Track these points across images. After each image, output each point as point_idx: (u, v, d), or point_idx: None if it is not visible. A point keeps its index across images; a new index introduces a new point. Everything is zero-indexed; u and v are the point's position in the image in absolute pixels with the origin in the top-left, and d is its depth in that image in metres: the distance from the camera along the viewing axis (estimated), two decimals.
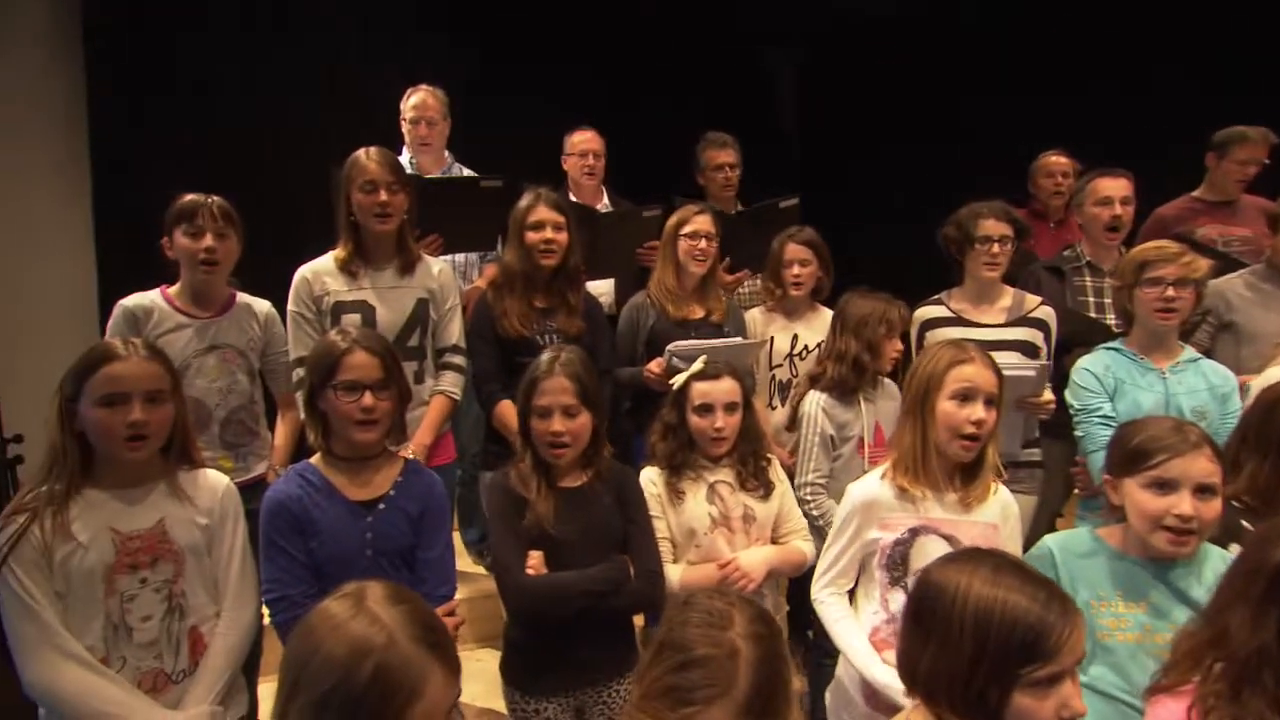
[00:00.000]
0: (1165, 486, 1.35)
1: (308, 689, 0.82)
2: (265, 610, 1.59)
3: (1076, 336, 2.31)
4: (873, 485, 1.64)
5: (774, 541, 1.90)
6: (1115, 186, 2.52)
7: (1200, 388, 2.04)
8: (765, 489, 1.89)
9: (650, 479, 1.88)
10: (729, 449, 1.88)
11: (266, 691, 1.68)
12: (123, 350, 1.40)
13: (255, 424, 2.15)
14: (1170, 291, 1.98)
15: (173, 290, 2.06)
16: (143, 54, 3.45)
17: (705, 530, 1.84)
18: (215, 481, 1.54)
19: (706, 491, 1.86)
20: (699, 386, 1.86)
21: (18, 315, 3.38)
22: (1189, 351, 2.10)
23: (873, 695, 1.57)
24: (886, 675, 1.51)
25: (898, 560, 1.59)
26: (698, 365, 1.90)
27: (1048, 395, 2.11)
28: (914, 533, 1.58)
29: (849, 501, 1.66)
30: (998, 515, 1.59)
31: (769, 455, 1.97)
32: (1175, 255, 2.01)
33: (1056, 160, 3.21)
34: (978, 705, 0.95)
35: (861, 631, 1.63)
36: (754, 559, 1.82)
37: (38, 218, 3.43)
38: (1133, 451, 1.41)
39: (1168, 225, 2.86)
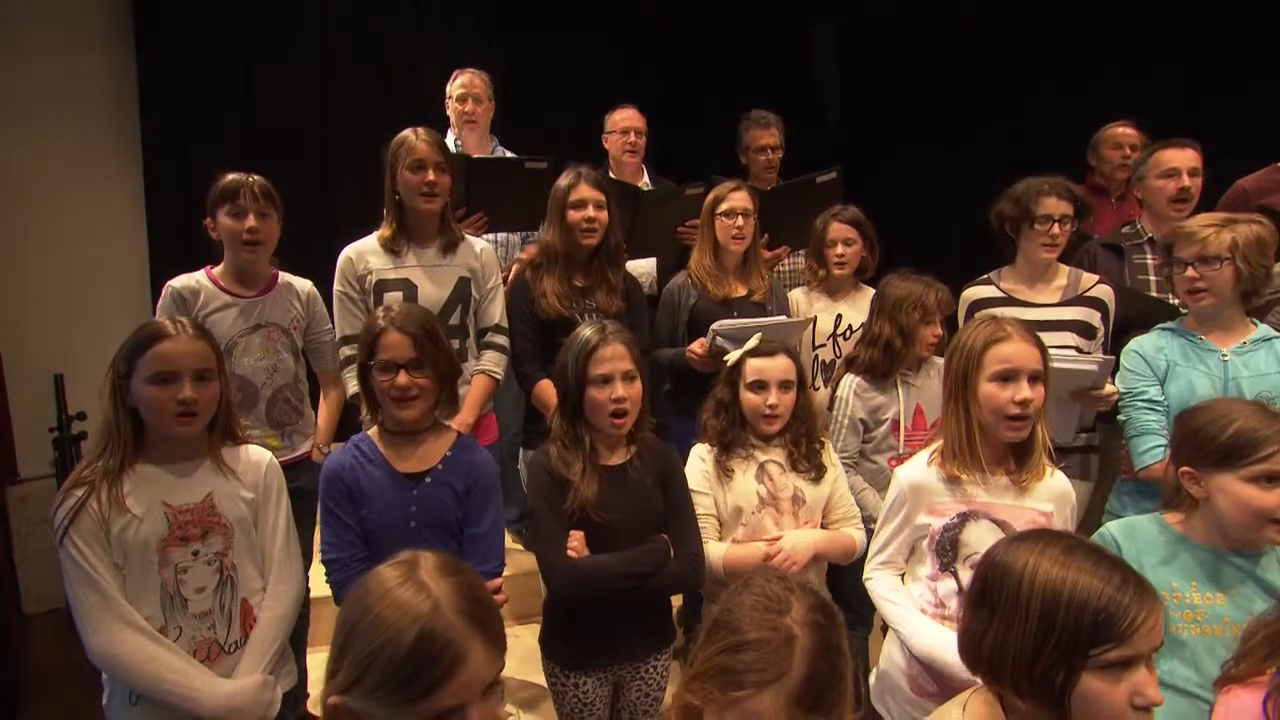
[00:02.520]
0: (1275, 480, 1.30)
1: (356, 647, 0.85)
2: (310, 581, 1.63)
3: (1136, 317, 2.19)
4: (919, 470, 1.59)
5: (824, 527, 1.87)
6: (1182, 157, 2.39)
7: (1270, 370, 1.90)
8: (817, 472, 1.86)
9: (700, 455, 1.86)
10: (782, 428, 1.85)
11: (315, 662, 1.73)
12: (172, 329, 1.43)
13: (300, 402, 2.18)
14: (1191, 272, 1.89)
15: (217, 271, 2.10)
16: (192, 38, 3.52)
17: (753, 509, 1.81)
18: (259, 457, 1.57)
19: (756, 470, 1.84)
20: (753, 363, 1.84)
21: (75, 298, 3.52)
22: (1262, 330, 1.96)
23: (920, 684, 1.54)
24: (936, 638, 1.48)
25: (947, 546, 1.54)
26: (753, 342, 1.88)
27: (1110, 388, 2.00)
28: (963, 518, 1.53)
29: (897, 486, 1.62)
30: (1052, 502, 1.52)
31: (823, 439, 1.92)
32: (1193, 232, 1.89)
33: (1124, 131, 3.04)
34: (1043, 686, 0.92)
35: (913, 604, 1.58)
36: (801, 541, 1.79)
37: (91, 202, 3.55)
38: (1227, 445, 1.34)
39: (1249, 198, 2.66)
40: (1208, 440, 1.38)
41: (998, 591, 0.98)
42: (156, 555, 1.40)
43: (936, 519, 1.55)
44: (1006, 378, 1.47)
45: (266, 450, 1.61)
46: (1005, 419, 1.48)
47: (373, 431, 1.66)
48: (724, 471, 1.83)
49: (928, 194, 4.46)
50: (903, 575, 1.64)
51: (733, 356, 1.89)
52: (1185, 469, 1.40)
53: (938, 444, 1.58)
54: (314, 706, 2.15)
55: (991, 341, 1.49)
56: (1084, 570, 0.93)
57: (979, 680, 1.03)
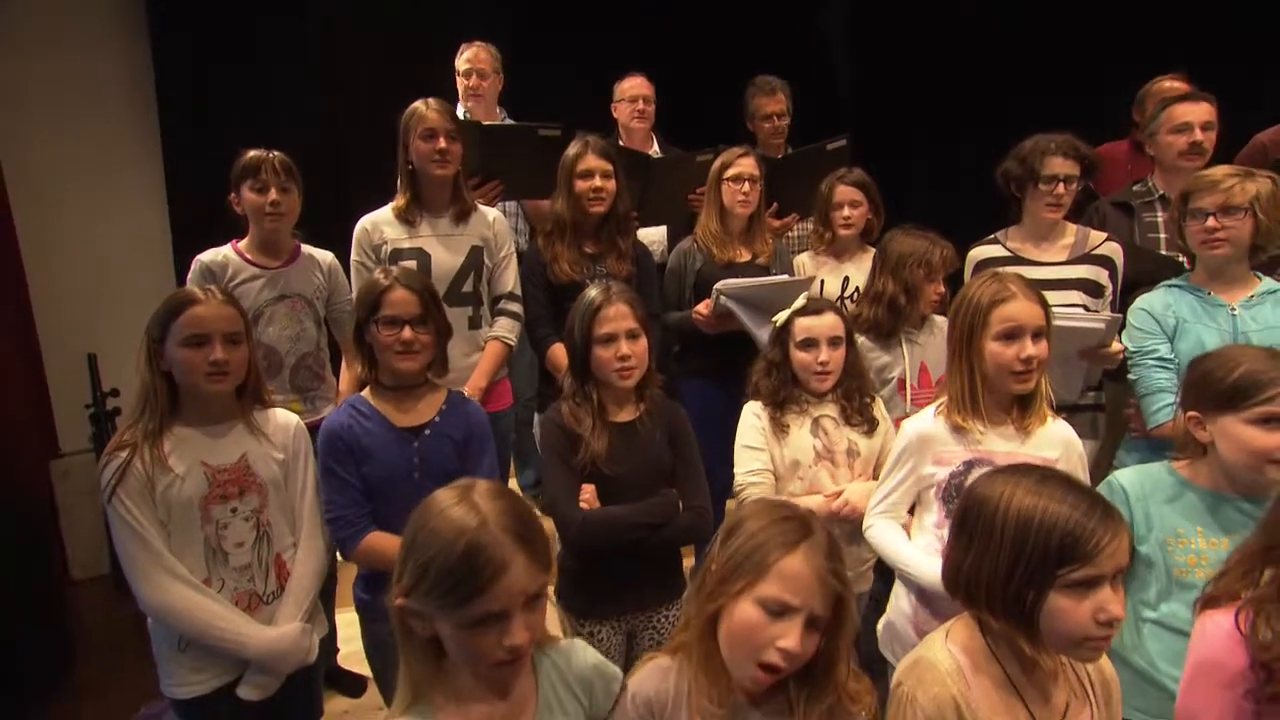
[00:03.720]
0: (1276, 421, 1.32)
1: (415, 556, 0.96)
2: None
3: (1145, 275, 2.17)
4: (927, 421, 1.62)
5: (876, 478, 1.87)
6: (1195, 111, 2.36)
7: (1278, 322, 1.89)
8: (870, 425, 1.89)
9: (754, 412, 1.90)
10: (833, 384, 1.88)
11: (343, 621, 1.83)
12: (202, 295, 1.52)
13: (322, 369, 2.28)
14: (1212, 222, 1.87)
15: (243, 244, 2.19)
16: (204, 22, 3.56)
17: (810, 463, 1.85)
18: (287, 420, 1.65)
19: (810, 425, 1.87)
20: (802, 322, 1.87)
21: (103, 280, 3.63)
22: (1268, 283, 1.96)
23: (923, 629, 1.58)
24: (938, 568, 1.52)
25: (953, 494, 1.58)
26: (800, 301, 1.91)
27: (1117, 346, 2.01)
28: (969, 465, 1.56)
29: (904, 437, 1.66)
30: (1058, 449, 1.55)
31: (873, 393, 1.95)
32: (1216, 183, 1.88)
33: (1173, 85, 2.89)
34: (1015, 605, 0.98)
35: (910, 541, 1.63)
36: (861, 491, 1.81)
37: (114, 187, 3.64)
38: (1232, 387, 1.36)
39: (1267, 152, 2.63)
40: (1213, 384, 1.40)
41: (976, 520, 1.03)
42: (199, 512, 1.49)
43: (943, 468, 1.59)
44: (1011, 336, 1.50)
45: (293, 414, 1.69)
46: (1011, 374, 1.51)
47: (366, 392, 1.71)
48: (779, 427, 1.86)
49: (944, 159, 4.41)
50: (906, 528, 1.68)
51: (781, 317, 1.92)
52: (1191, 414, 1.43)
53: (943, 399, 1.62)
54: (343, 661, 2.27)
55: (996, 301, 1.52)
56: (1054, 498, 0.98)
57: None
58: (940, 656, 1.06)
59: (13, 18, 3.43)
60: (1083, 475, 1.57)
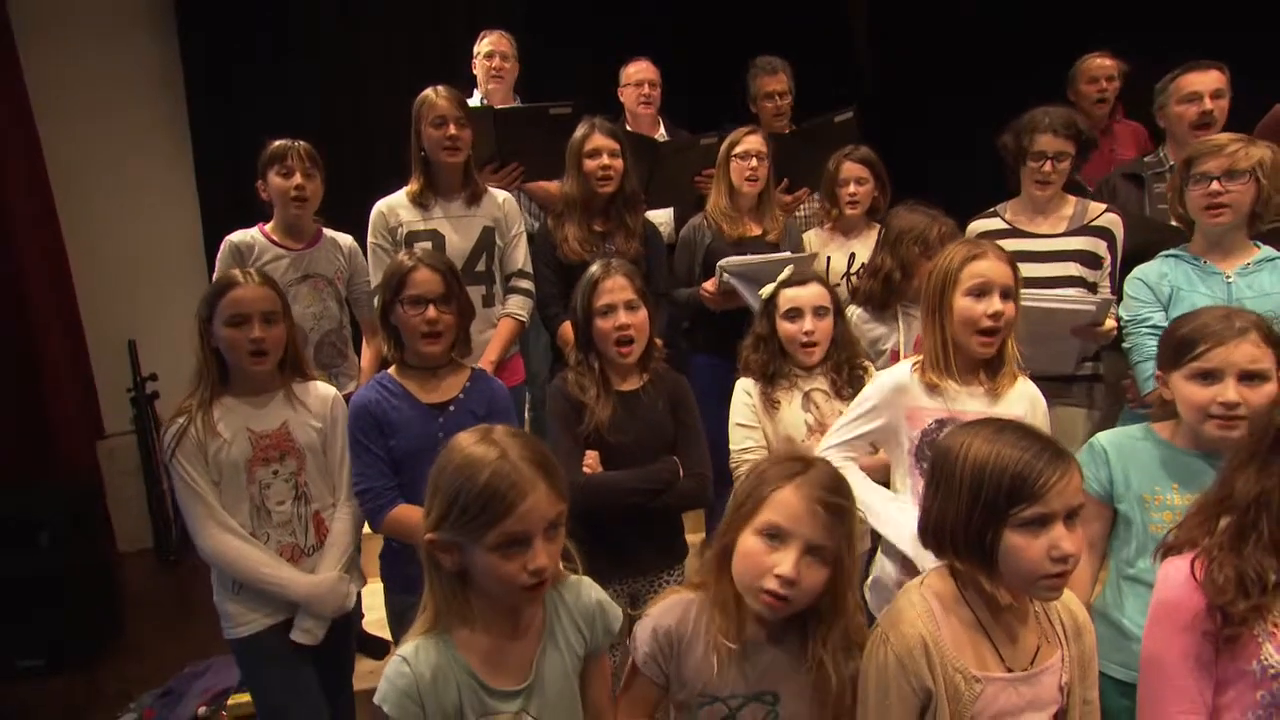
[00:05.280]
0: (1209, 377, 1.35)
1: (442, 491, 1.06)
2: None
3: (1155, 246, 2.09)
4: (903, 374, 1.66)
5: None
6: (1204, 80, 2.33)
7: (1274, 290, 1.88)
8: None
9: (745, 389, 1.92)
10: (821, 356, 1.89)
11: (366, 590, 1.95)
12: (241, 279, 1.65)
13: (344, 346, 2.42)
14: (1216, 186, 1.85)
15: (269, 227, 2.32)
16: (229, 17, 3.68)
17: (803, 438, 1.85)
18: (324, 392, 1.77)
19: (801, 400, 1.89)
20: (786, 293, 1.89)
21: (140, 269, 3.81)
22: (1266, 251, 1.94)
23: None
24: (901, 514, 1.58)
25: (925, 452, 1.60)
26: (785, 273, 1.92)
27: (1109, 324, 2.00)
28: (940, 424, 1.58)
29: (877, 384, 1.70)
30: (1025, 408, 1.59)
31: (865, 364, 1.95)
32: (1220, 147, 1.87)
33: (1100, 63, 2.92)
34: (976, 546, 1.05)
35: (885, 491, 1.68)
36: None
37: (147, 180, 3.81)
38: (1178, 343, 1.40)
39: None
40: (1166, 342, 1.45)
41: (940, 470, 1.11)
42: (244, 473, 1.63)
43: (915, 428, 1.63)
44: (980, 292, 1.55)
45: (331, 386, 1.81)
46: (977, 332, 1.56)
47: (392, 369, 1.76)
48: (770, 403, 1.88)
49: (961, 127, 4.33)
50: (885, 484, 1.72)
51: (767, 290, 1.93)
52: (1158, 373, 1.47)
53: (919, 356, 1.67)
54: (369, 628, 2.41)
55: (968, 259, 1.57)
56: (1007, 443, 1.04)
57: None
58: (914, 600, 1.13)
59: (49, 19, 3.58)
60: (1045, 428, 1.60)
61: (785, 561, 1.06)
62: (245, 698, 2.31)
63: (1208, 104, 2.32)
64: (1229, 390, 1.33)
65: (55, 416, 3.48)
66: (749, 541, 1.10)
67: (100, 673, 2.81)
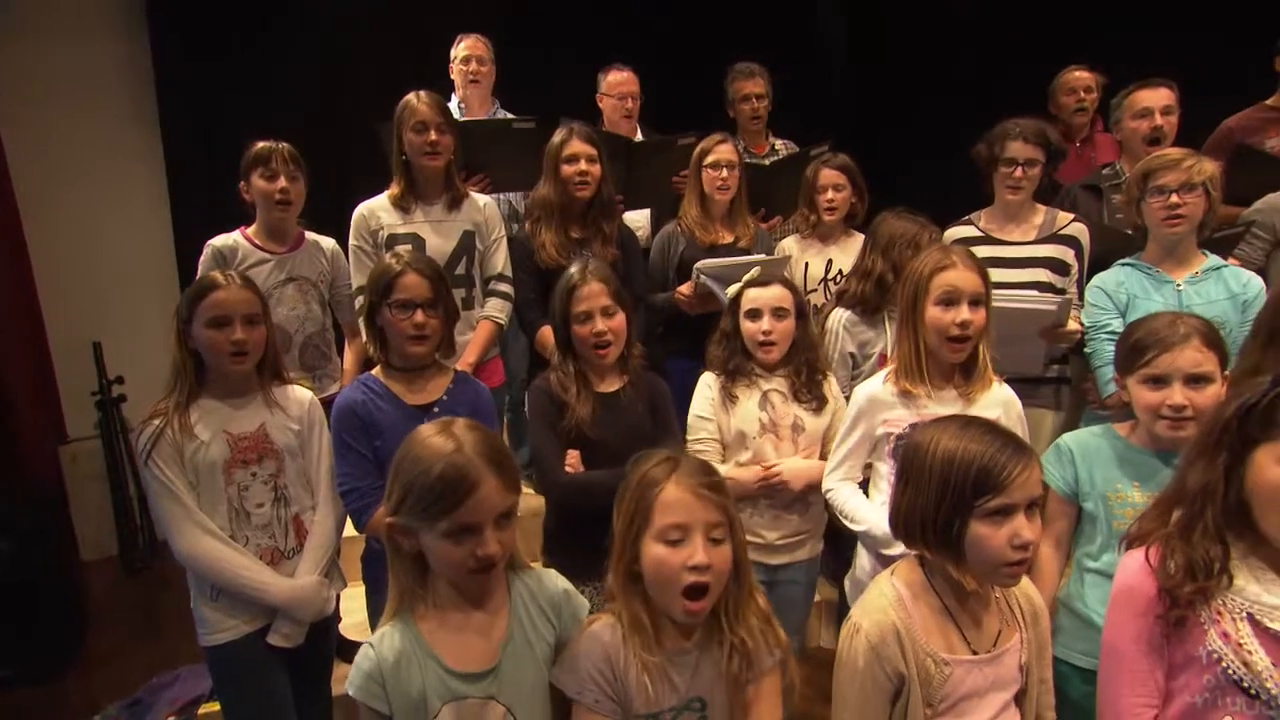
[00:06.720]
0: (1159, 381, 1.44)
1: (402, 478, 1.12)
2: None
3: (1113, 255, 2.22)
4: (876, 385, 1.73)
5: (824, 456, 1.93)
6: (1155, 97, 2.46)
7: (1220, 297, 2.01)
8: (818, 402, 1.93)
9: (707, 383, 1.97)
10: (781, 357, 1.93)
11: (345, 594, 1.94)
12: (223, 280, 1.64)
13: (328, 349, 2.40)
14: (1174, 199, 1.96)
15: (251, 230, 2.30)
16: (201, 14, 3.62)
17: (754, 435, 1.90)
18: (302, 395, 1.77)
19: (759, 398, 1.93)
20: (749, 293, 1.94)
21: (107, 270, 3.71)
22: (1212, 260, 2.06)
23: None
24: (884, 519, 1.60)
25: (899, 454, 1.67)
26: (752, 273, 1.98)
27: (1072, 325, 2.08)
28: (915, 428, 1.53)
29: (855, 401, 1.76)
30: (998, 410, 1.64)
31: (825, 371, 1.99)
32: (1177, 161, 1.98)
33: (1078, 75, 3.07)
34: (944, 536, 1.11)
35: (866, 499, 1.75)
36: (797, 467, 1.88)
37: (116, 178, 3.71)
38: (1130, 349, 1.50)
39: (1234, 136, 2.73)
40: (1121, 348, 1.54)
41: (910, 464, 1.16)
42: (222, 475, 1.62)
43: (892, 429, 1.70)
44: (950, 301, 1.61)
45: (308, 390, 1.81)
46: (947, 340, 1.62)
47: (377, 371, 1.78)
48: (729, 397, 1.92)
49: (944, 132, 4.37)
50: (865, 487, 1.79)
51: (733, 289, 1.97)
52: (1116, 376, 1.55)
53: (894, 365, 1.73)
54: (349, 631, 2.40)
55: (938, 269, 1.63)
56: (973, 439, 1.10)
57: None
58: (885, 589, 1.18)
59: (14, 10, 3.49)
60: (1019, 432, 1.65)
61: (695, 551, 1.09)
62: (215, 707, 2.27)
63: (1158, 120, 2.44)
64: (1176, 394, 1.42)
65: (15, 420, 3.38)
66: (654, 550, 1.11)
67: (65, 683, 2.74)
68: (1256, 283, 2.05)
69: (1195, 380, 1.42)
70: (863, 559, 1.80)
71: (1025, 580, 1.21)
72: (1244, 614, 1.05)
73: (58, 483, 3.55)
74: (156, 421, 1.59)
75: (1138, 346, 1.48)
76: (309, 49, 3.81)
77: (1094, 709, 1.18)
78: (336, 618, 2.49)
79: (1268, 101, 2.77)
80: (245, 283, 1.67)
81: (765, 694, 1.17)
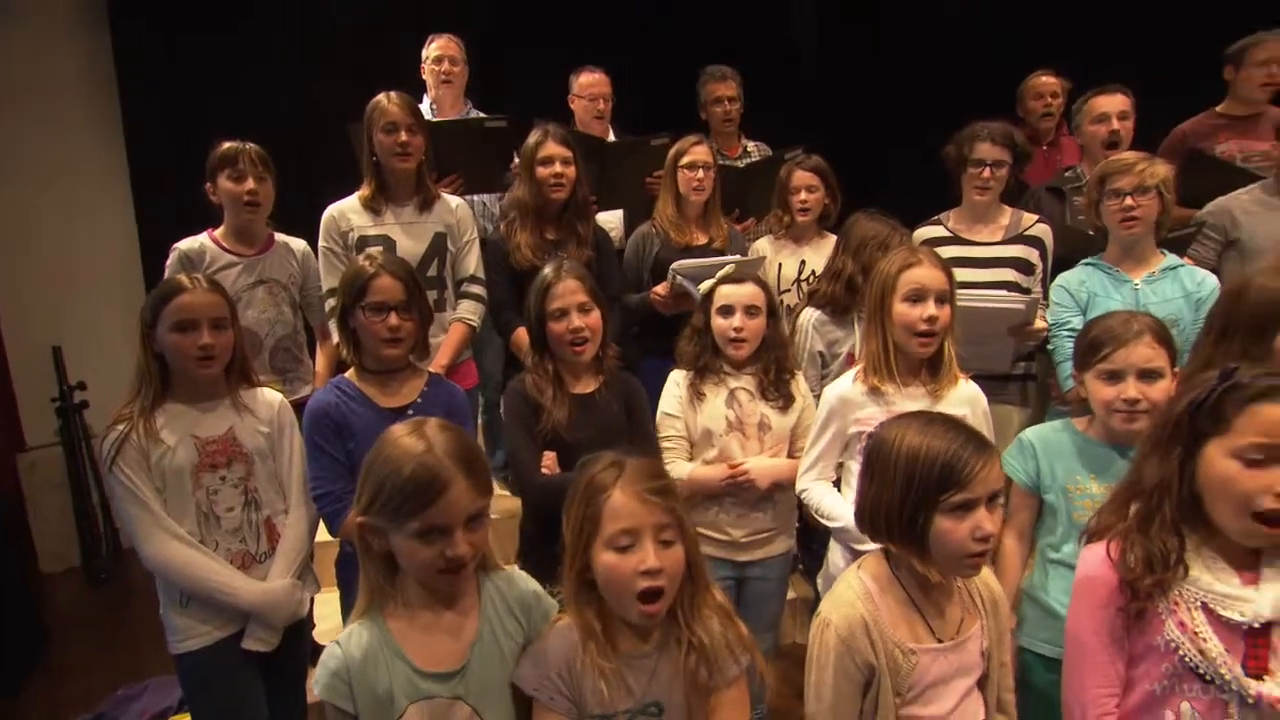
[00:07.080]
0: (1114, 376, 1.50)
1: (372, 477, 1.12)
2: None
3: (1075, 255, 2.29)
4: (846, 385, 1.76)
5: (791, 455, 1.95)
6: (1111, 103, 2.55)
7: (1175, 295, 2.08)
8: (785, 401, 1.95)
9: (676, 380, 1.98)
10: (750, 354, 1.94)
11: (320, 599, 1.93)
12: (189, 284, 1.61)
13: (300, 351, 2.38)
14: (1129, 201, 2.04)
15: (219, 233, 2.27)
16: (165, 11, 3.56)
17: (721, 432, 1.92)
18: (271, 398, 1.75)
19: (727, 396, 1.94)
20: (722, 289, 1.95)
21: (68, 272, 3.62)
22: (1169, 259, 2.13)
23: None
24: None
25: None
26: (726, 270, 1.99)
27: (1039, 324, 2.13)
28: (880, 425, 1.66)
29: (826, 401, 1.79)
30: (965, 407, 1.67)
31: (794, 370, 2.01)
32: (1131, 165, 2.06)
33: (1045, 81, 3.16)
34: (909, 530, 1.13)
35: (840, 497, 1.78)
36: (763, 466, 1.89)
37: (78, 179, 3.62)
38: (1087, 346, 1.56)
39: (1187, 141, 2.82)
40: (1079, 345, 1.59)
41: (876, 459, 1.18)
42: (190, 480, 1.59)
43: (863, 428, 1.73)
44: (916, 298, 1.65)
45: (277, 392, 1.78)
46: (915, 335, 1.66)
47: (350, 373, 1.76)
48: (696, 395, 1.94)
49: (912, 146, 4.45)
50: (838, 485, 1.81)
51: (706, 285, 1.98)
52: (1074, 373, 1.61)
53: (862, 363, 1.76)
54: (323, 637, 2.37)
55: (905, 266, 1.68)
56: (937, 435, 1.13)
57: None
58: (852, 583, 1.21)
59: None
60: (985, 428, 1.68)
61: (646, 556, 1.09)
62: (186, 718, 2.24)
63: (1115, 124, 2.53)
64: (1130, 388, 1.48)
65: None
66: (605, 558, 1.11)
67: (24, 697, 2.66)
68: (1211, 281, 2.11)
69: (1148, 375, 1.48)
70: (835, 556, 1.82)
71: (985, 570, 1.24)
72: (1199, 603, 1.09)
73: (15, 492, 3.45)
74: (121, 427, 1.55)
75: (1094, 343, 1.54)
76: (277, 47, 3.76)
77: (1058, 697, 1.21)
78: (310, 622, 2.47)
79: (1218, 108, 2.87)
80: (212, 286, 1.65)
81: (729, 703, 1.16)
